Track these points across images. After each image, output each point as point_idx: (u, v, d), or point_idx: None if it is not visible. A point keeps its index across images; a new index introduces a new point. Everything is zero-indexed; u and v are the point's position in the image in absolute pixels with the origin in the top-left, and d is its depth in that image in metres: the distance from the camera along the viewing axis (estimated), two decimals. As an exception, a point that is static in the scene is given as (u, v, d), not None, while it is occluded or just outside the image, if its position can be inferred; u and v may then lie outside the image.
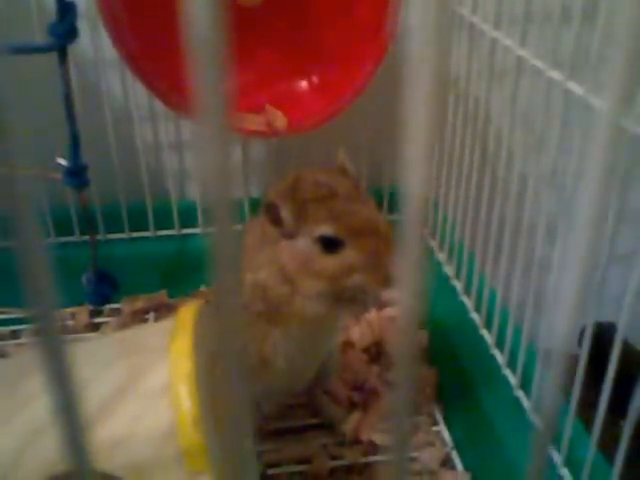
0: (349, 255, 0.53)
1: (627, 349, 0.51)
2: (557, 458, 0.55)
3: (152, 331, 0.51)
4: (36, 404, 0.42)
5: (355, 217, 0.53)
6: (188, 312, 0.47)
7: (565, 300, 0.18)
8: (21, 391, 0.43)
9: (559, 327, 0.18)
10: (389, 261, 0.53)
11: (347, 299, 0.56)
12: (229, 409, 0.18)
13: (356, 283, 0.54)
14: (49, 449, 0.40)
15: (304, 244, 0.54)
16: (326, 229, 0.53)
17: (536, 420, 0.60)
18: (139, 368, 0.43)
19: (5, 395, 0.44)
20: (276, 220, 0.54)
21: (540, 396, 0.60)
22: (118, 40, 0.68)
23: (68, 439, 0.17)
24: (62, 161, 0.71)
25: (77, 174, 0.71)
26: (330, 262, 0.53)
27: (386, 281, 0.53)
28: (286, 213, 0.54)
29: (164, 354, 0.43)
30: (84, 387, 0.42)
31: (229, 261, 0.16)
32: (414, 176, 0.14)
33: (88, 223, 0.79)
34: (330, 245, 0.53)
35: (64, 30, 0.62)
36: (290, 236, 0.54)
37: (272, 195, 0.55)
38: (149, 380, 0.42)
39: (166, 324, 0.48)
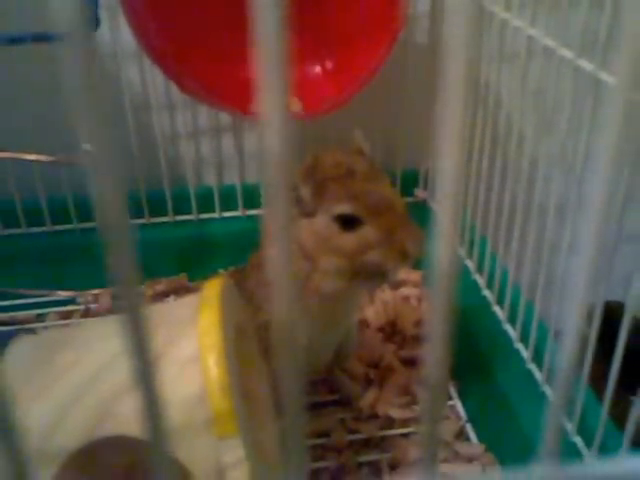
0: (367, 232, 0.54)
1: (638, 326, 0.52)
2: (569, 427, 0.57)
3: (179, 305, 0.53)
4: (71, 375, 0.44)
5: (373, 195, 0.55)
6: (214, 287, 0.49)
7: (576, 281, 0.18)
8: (56, 364, 0.45)
9: (570, 309, 0.19)
10: (405, 238, 0.54)
11: (365, 276, 0.57)
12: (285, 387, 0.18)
13: (374, 260, 0.55)
14: (86, 416, 0.42)
15: (323, 222, 0.55)
16: (344, 207, 0.54)
17: (549, 393, 0.61)
18: (168, 339, 0.45)
19: (41, 367, 0.46)
20: (295, 199, 0.56)
21: (552, 370, 0.61)
22: (138, 30, 0.70)
23: (148, 408, 0.18)
24: (87, 147, 0.73)
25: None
26: (348, 239, 0.55)
27: (403, 257, 0.55)
28: (305, 192, 0.55)
29: (192, 326, 0.45)
30: (117, 356, 0.44)
31: (285, 241, 0.17)
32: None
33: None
34: (348, 223, 0.54)
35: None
36: (309, 214, 0.56)
37: (291, 175, 0.56)
38: (179, 350, 0.44)
39: (192, 299, 0.49)
